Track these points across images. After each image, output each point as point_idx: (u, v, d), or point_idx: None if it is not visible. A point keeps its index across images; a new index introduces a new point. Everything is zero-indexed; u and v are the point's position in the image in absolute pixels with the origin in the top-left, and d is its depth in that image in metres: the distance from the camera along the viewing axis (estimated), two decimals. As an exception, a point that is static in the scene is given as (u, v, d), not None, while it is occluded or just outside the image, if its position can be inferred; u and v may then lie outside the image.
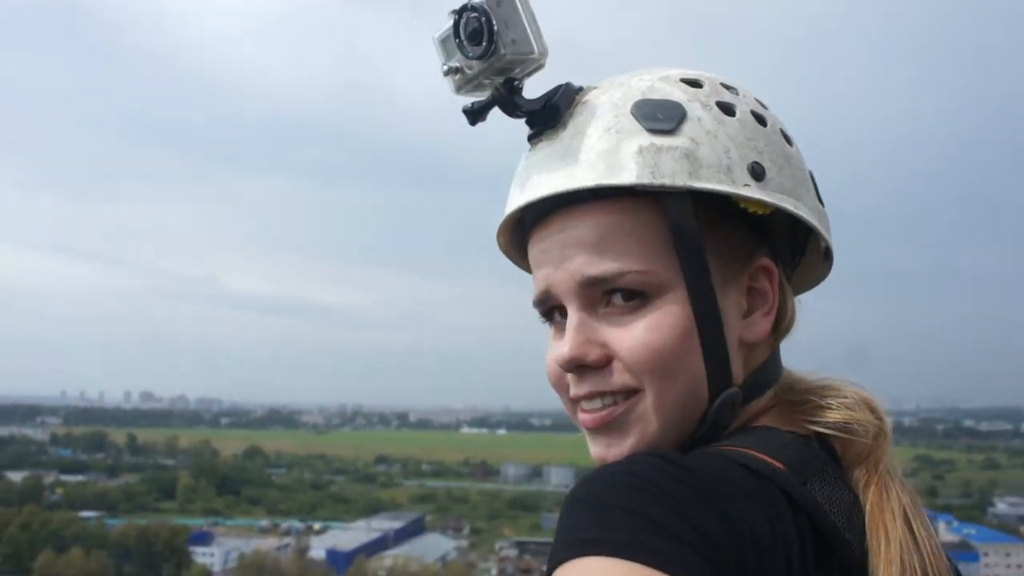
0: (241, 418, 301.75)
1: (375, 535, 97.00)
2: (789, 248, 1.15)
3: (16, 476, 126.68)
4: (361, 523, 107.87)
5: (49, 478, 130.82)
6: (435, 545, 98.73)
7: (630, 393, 1.05)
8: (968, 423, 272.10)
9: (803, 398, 1.12)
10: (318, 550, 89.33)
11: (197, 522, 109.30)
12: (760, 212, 1.06)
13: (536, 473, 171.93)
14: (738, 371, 1.09)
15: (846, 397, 1.12)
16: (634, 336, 1.02)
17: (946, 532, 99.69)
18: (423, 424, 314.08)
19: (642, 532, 0.84)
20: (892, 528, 0.98)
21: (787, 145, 1.13)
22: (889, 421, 1.13)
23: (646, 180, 1.00)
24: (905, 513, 1.00)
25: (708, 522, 0.86)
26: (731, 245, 1.08)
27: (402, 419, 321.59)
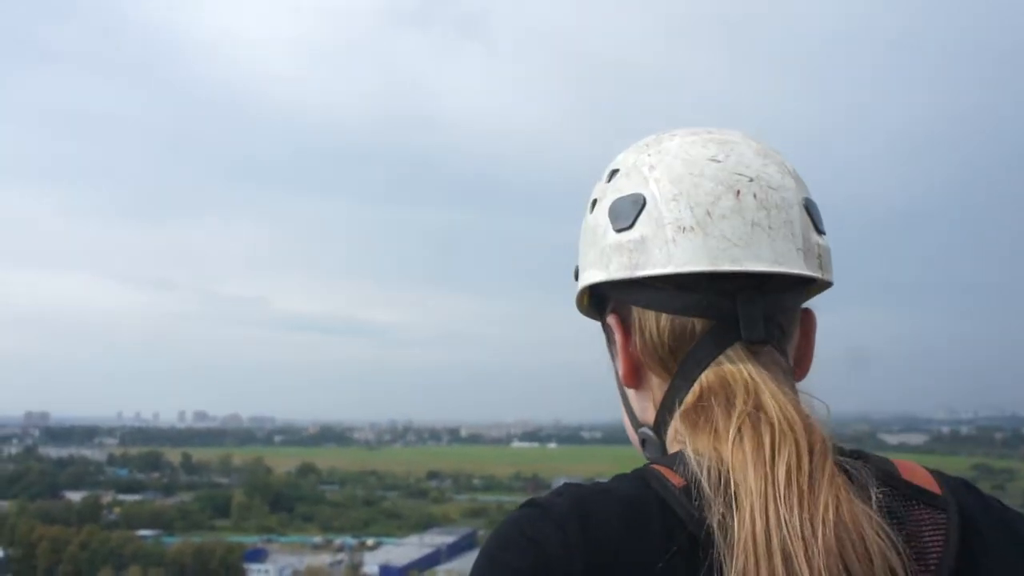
0: (293, 436, 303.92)
1: (427, 550, 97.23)
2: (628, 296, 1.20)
3: (75, 496, 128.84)
4: (413, 538, 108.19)
5: (107, 498, 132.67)
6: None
7: None
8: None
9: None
10: (371, 566, 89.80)
11: (251, 539, 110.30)
12: (586, 300, 1.28)
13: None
14: (644, 409, 1.20)
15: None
16: None
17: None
18: (474, 439, 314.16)
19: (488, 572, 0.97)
20: (742, 521, 0.94)
21: (588, 216, 1.24)
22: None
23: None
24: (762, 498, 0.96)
25: (558, 560, 0.94)
26: (602, 322, 1.28)
27: (453, 434, 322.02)
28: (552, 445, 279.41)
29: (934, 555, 1.00)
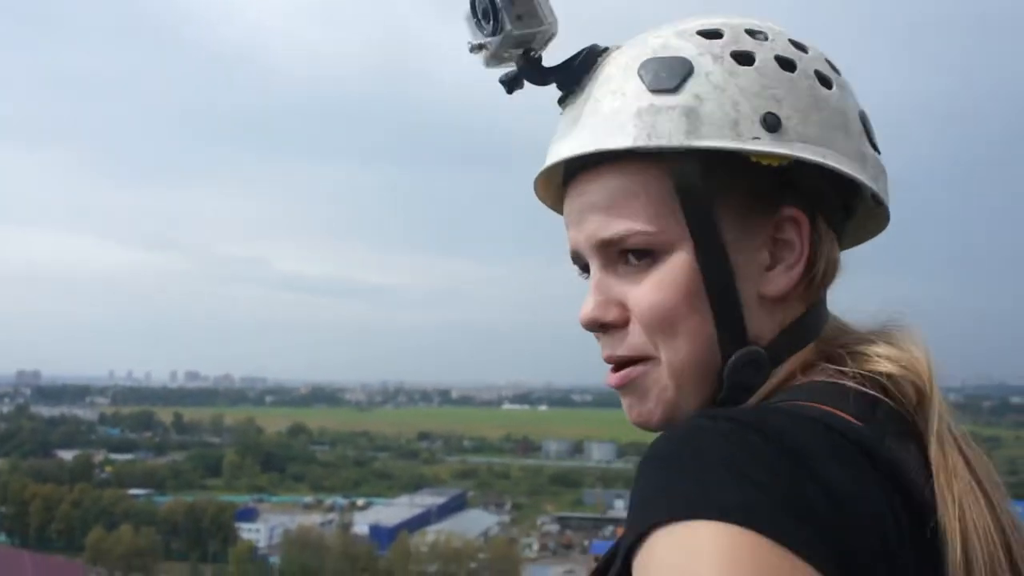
0: (285, 396, 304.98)
1: (417, 511, 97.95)
2: (830, 197, 1.07)
3: (67, 455, 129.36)
4: (404, 499, 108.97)
5: (99, 457, 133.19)
6: (477, 520, 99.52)
7: (645, 359, 1.03)
8: (1016, 400, 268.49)
9: (850, 350, 1.03)
10: (361, 526, 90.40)
11: (243, 499, 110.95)
12: (776, 164, 1.01)
13: (577, 449, 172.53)
14: (762, 328, 1.04)
15: (892, 348, 1.04)
16: (642, 293, 1.01)
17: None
18: (465, 400, 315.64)
19: (754, 498, 0.74)
20: (964, 490, 0.90)
21: (820, 88, 1.05)
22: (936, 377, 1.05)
23: (642, 143, 0.99)
24: (974, 473, 0.94)
25: (812, 493, 0.77)
26: (749, 199, 1.03)
27: (444, 396, 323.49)
28: (543, 408, 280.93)
29: None
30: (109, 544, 76.28)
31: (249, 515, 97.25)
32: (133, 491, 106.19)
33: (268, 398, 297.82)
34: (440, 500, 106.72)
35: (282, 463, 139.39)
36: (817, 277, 1.06)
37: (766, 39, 1.05)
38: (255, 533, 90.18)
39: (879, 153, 1.10)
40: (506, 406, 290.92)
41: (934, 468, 0.91)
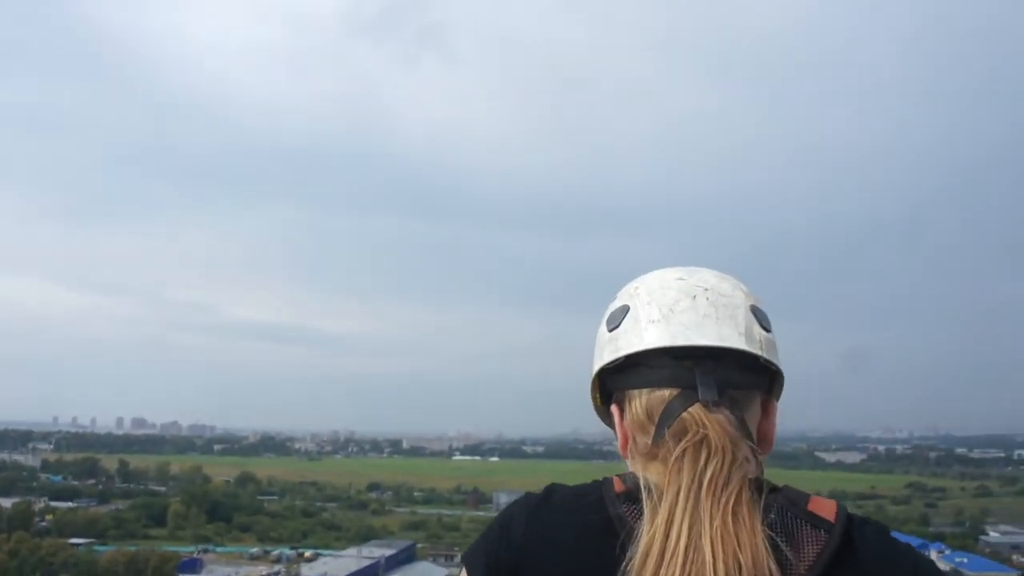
0: (233, 444, 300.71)
1: (366, 562, 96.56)
2: (606, 391, 1.65)
3: (6, 502, 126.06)
4: (352, 550, 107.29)
5: (39, 504, 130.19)
6: (426, 572, 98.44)
7: None
8: (961, 451, 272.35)
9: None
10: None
11: (188, 549, 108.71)
12: (598, 399, 1.68)
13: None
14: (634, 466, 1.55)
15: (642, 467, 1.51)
16: None
17: (939, 560, 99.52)
18: (416, 451, 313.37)
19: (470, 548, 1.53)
20: (652, 525, 1.34)
21: (599, 329, 1.65)
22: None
23: None
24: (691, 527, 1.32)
25: (493, 533, 1.49)
26: (608, 415, 1.65)
27: (395, 446, 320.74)
28: (494, 459, 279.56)
29: (807, 563, 1.34)
30: (47, 595, 74.37)
31: (193, 566, 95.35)
32: (73, 540, 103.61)
33: (216, 446, 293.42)
34: (389, 551, 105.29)
35: (229, 513, 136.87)
36: (629, 433, 1.57)
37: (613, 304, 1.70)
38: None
39: (616, 327, 1.60)
40: (457, 457, 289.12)
41: (645, 521, 1.35)
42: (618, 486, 1.44)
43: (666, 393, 1.50)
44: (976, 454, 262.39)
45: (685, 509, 1.32)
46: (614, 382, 1.59)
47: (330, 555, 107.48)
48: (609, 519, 1.38)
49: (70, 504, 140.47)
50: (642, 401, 1.53)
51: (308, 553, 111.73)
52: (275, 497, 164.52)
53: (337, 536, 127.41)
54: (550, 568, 1.38)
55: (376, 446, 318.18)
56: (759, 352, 1.52)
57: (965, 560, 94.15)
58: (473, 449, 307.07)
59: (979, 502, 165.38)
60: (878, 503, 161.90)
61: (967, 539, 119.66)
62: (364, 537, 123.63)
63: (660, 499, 1.35)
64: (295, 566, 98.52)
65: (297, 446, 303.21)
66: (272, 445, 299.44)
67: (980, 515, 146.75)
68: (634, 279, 1.68)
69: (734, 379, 1.50)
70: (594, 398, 1.68)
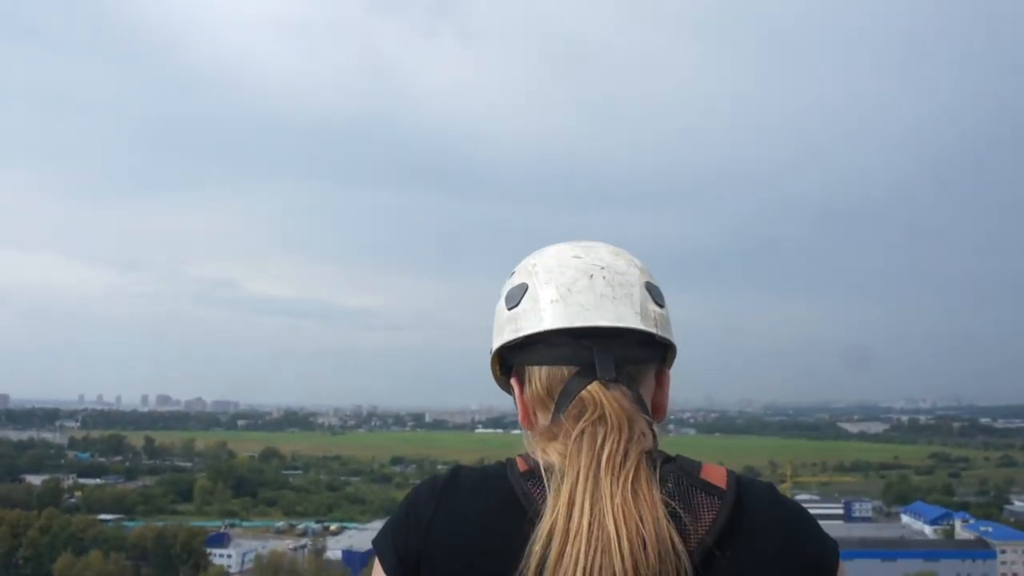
0: (257, 420, 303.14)
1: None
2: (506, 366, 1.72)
3: (36, 480, 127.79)
4: (377, 523, 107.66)
5: (68, 481, 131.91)
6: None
7: None
8: (984, 421, 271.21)
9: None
10: (334, 551, 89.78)
11: (214, 524, 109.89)
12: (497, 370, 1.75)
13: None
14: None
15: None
16: None
17: (962, 530, 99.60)
18: (438, 424, 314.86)
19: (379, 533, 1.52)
20: (562, 511, 1.36)
21: (498, 305, 1.72)
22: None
23: None
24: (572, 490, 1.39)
25: (399, 516, 1.50)
26: (508, 386, 1.74)
27: (417, 420, 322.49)
28: (516, 432, 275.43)
29: (704, 529, 1.39)
30: (77, 571, 75.43)
31: (220, 540, 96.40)
32: (102, 516, 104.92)
33: (240, 422, 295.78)
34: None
35: (254, 488, 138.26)
36: (529, 406, 1.65)
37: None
38: (226, 559, 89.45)
39: (516, 306, 1.65)
40: (479, 430, 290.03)
41: (548, 500, 1.38)
42: (521, 465, 1.48)
43: (565, 371, 1.56)
44: (1000, 424, 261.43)
45: (586, 488, 1.36)
46: (514, 357, 1.65)
47: (355, 528, 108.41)
48: (515, 497, 1.42)
49: (98, 481, 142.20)
50: (542, 378, 1.58)
51: (333, 526, 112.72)
52: (299, 472, 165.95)
53: (362, 509, 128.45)
54: (459, 547, 1.41)
55: (399, 420, 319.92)
56: (654, 330, 1.58)
57: (990, 529, 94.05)
58: (495, 422, 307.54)
59: (1003, 472, 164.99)
60: (902, 473, 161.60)
61: (991, 508, 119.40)
62: (388, 510, 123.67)
63: (563, 478, 1.39)
64: (321, 539, 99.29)
65: (320, 421, 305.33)
66: (296, 420, 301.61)
67: (1004, 485, 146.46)
68: (531, 254, 1.72)
69: (630, 356, 1.57)
70: (494, 370, 1.76)
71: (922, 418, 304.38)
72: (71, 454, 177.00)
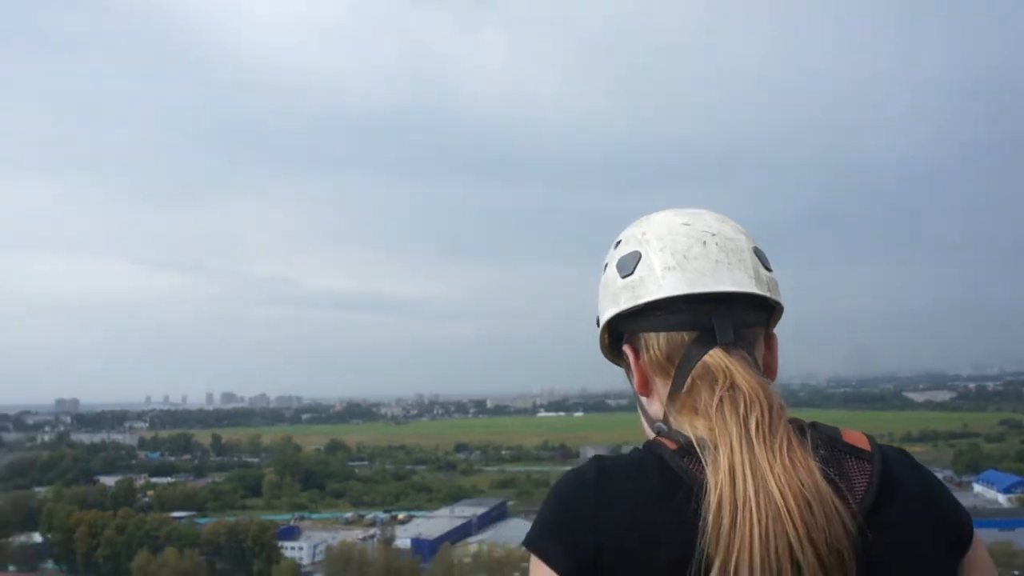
0: (321, 413, 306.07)
1: (458, 522, 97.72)
2: (617, 335, 1.75)
3: (109, 481, 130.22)
4: (444, 511, 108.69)
5: (140, 481, 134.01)
6: (518, 529, 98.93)
7: None
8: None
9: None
10: (403, 539, 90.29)
11: (284, 517, 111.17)
12: (606, 337, 1.78)
13: (615, 453, 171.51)
14: (655, 408, 1.67)
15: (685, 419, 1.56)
16: None
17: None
18: (500, 410, 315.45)
19: (533, 528, 1.48)
20: (717, 469, 1.40)
21: (603, 273, 1.76)
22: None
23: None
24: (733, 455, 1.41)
25: (550, 510, 1.49)
26: (620, 352, 1.74)
27: (479, 406, 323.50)
28: (578, 414, 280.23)
29: (859, 493, 1.43)
30: (154, 568, 76.62)
31: (291, 533, 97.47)
32: (175, 514, 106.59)
33: (304, 416, 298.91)
34: (480, 510, 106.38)
35: (321, 480, 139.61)
36: (648, 384, 1.68)
37: (616, 247, 1.76)
38: (298, 551, 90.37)
39: (630, 274, 1.67)
40: (541, 414, 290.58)
41: (709, 473, 1.40)
42: (669, 443, 1.49)
43: (684, 336, 1.60)
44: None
45: (743, 459, 1.40)
46: (627, 324, 1.68)
47: (423, 516, 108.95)
48: (676, 475, 1.43)
49: (169, 479, 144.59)
50: (660, 344, 1.62)
51: (401, 515, 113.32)
52: (365, 463, 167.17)
53: (428, 497, 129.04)
54: (634, 533, 1.41)
55: (461, 407, 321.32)
56: (767, 294, 1.62)
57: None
58: (557, 405, 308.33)
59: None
60: (972, 441, 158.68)
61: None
62: (455, 497, 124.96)
63: (717, 450, 1.42)
64: (389, 528, 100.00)
65: (383, 411, 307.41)
66: (359, 412, 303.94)
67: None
68: (633, 223, 1.77)
69: (745, 319, 1.61)
70: (602, 340, 1.79)
71: (990, 384, 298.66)
72: (141, 454, 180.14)
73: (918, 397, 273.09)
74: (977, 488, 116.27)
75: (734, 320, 1.59)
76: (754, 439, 1.42)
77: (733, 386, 1.50)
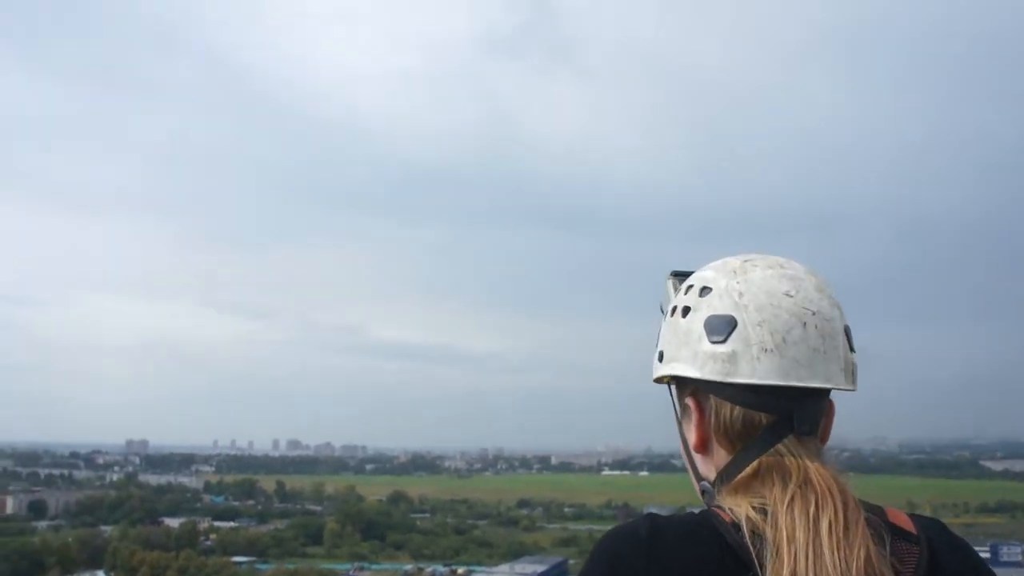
0: (384, 464, 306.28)
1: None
2: (686, 388, 1.67)
3: (174, 522, 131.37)
4: (504, 567, 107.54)
5: (204, 524, 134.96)
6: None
7: None
8: None
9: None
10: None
11: (344, 567, 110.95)
12: (665, 380, 1.71)
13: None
14: (707, 469, 1.63)
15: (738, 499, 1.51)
16: None
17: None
18: (564, 467, 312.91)
19: None
20: (785, 548, 1.37)
21: (681, 320, 1.64)
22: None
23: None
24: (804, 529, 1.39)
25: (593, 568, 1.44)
26: (680, 399, 1.68)
27: (543, 462, 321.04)
28: (643, 473, 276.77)
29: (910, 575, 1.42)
30: (214, 611, 76.84)
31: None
32: (236, 559, 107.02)
33: (368, 466, 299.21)
34: (541, 568, 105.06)
35: (383, 531, 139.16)
36: (709, 439, 1.62)
37: (681, 291, 1.69)
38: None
39: (722, 342, 1.56)
40: (606, 472, 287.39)
41: (769, 549, 1.38)
42: (725, 516, 1.46)
43: (762, 418, 1.55)
44: None
45: (808, 557, 1.37)
46: (706, 387, 1.61)
47: (483, 572, 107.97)
48: (732, 550, 1.40)
49: (232, 524, 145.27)
50: (734, 416, 1.57)
51: (461, 570, 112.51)
52: (427, 515, 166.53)
53: (489, 553, 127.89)
54: None
55: (525, 463, 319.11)
56: (853, 388, 1.60)
57: None
58: (622, 464, 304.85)
59: None
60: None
61: None
62: (515, 553, 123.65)
63: (783, 542, 1.39)
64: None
65: (447, 464, 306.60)
66: (422, 464, 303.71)
67: None
68: (724, 270, 1.66)
69: (823, 408, 1.59)
70: (660, 379, 1.74)
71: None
72: (206, 497, 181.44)
73: (996, 466, 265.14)
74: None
75: (814, 411, 1.56)
76: (824, 540, 1.38)
77: (806, 481, 1.47)
